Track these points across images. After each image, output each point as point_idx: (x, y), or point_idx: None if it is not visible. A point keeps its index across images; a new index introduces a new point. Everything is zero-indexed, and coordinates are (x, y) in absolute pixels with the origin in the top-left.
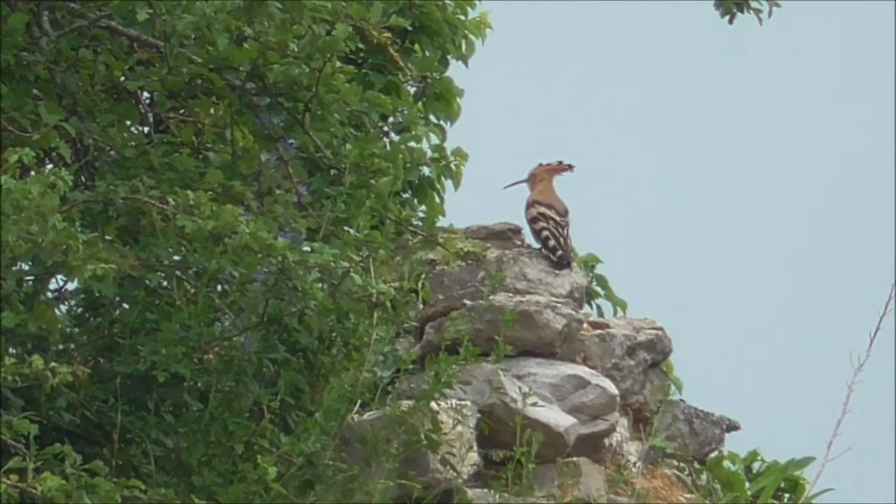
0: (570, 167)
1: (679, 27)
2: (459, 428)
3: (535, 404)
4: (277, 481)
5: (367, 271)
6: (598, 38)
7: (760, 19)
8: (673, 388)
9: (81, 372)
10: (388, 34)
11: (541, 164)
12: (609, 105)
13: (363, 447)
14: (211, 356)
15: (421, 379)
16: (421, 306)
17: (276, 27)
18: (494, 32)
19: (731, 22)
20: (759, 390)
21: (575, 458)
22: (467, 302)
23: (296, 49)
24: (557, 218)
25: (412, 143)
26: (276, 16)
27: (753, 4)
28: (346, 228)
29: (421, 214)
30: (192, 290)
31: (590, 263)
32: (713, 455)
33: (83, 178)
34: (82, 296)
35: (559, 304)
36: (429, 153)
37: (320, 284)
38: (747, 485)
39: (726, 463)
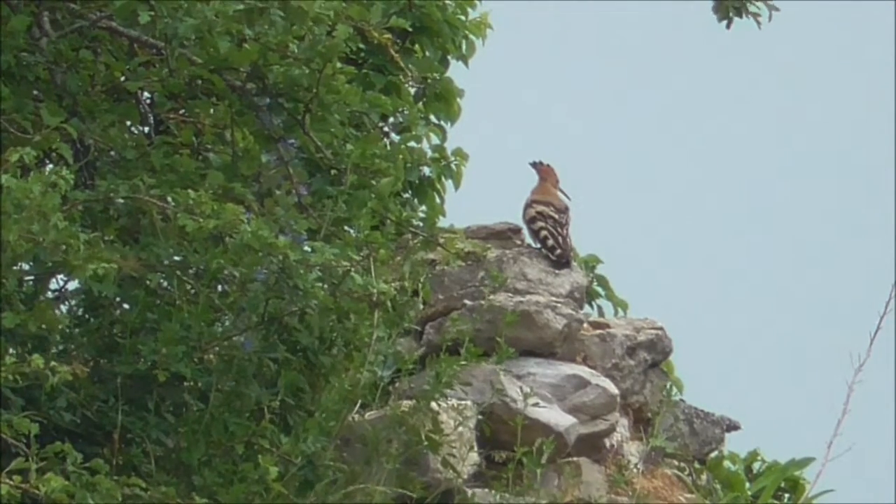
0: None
1: (680, 27)
2: (460, 428)
3: (536, 405)
4: (278, 481)
5: (368, 271)
6: (598, 38)
7: (759, 23)
8: (673, 388)
9: (81, 371)
10: (389, 35)
11: (549, 166)
12: (609, 105)
13: (364, 447)
14: (211, 356)
15: (421, 379)
16: (421, 306)
17: (277, 30)
18: (494, 32)
19: (728, 27)
20: (759, 390)
21: (575, 458)
22: (467, 302)
23: (296, 50)
24: (556, 216)
25: (412, 144)
26: (277, 23)
27: (752, 9)
28: (346, 228)
29: (421, 214)
30: (193, 290)
31: (591, 264)
32: (713, 455)
33: (84, 179)
34: (82, 296)
35: (559, 304)
36: (429, 153)
37: (321, 284)
38: (747, 485)
39: (726, 463)
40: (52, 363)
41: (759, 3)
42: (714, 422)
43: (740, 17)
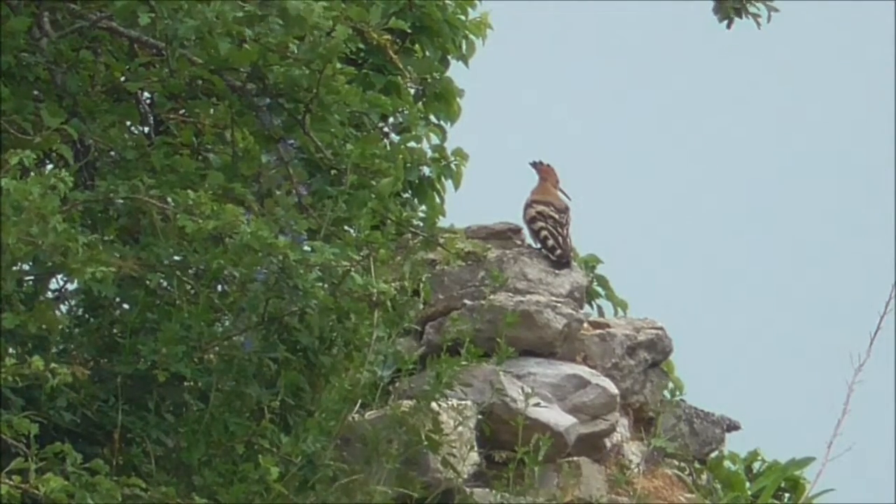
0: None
1: (680, 27)
2: (460, 428)
3: (537, 405)
4: (278, 481)
5: (368, 271)
6: (598, 38)
7: (759, 24)
8: (673, 387)
9: (81, 373)
10: (388, 36)
11: (550, 166)
12: (609, 105)
13: (364, 447)
14: (211, 356)
15: (421, 379)
16: (421, 306)
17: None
18: (494, 32)
19: (729, 27)
20: (759, 390)
21: (575, 458)
22: (467, 302)
23: (296, 51)
24: (556, 216)
25: (412, 144)
26: (276, 31)
27: (752, 10)
28: (346, 228)
29: (421, 214)
30: (193, 290)
31: (591, 264)
32: (714, 455)
33: (84, 179)
34: (82, 296)
35: (559, 304)
36: (429, 153)
37: (321, 283)
38: (748, 485)
39: (727, 463)
40: (53, 365)
41: (758, 4)
42: (714, 422)
43: (740, 17)
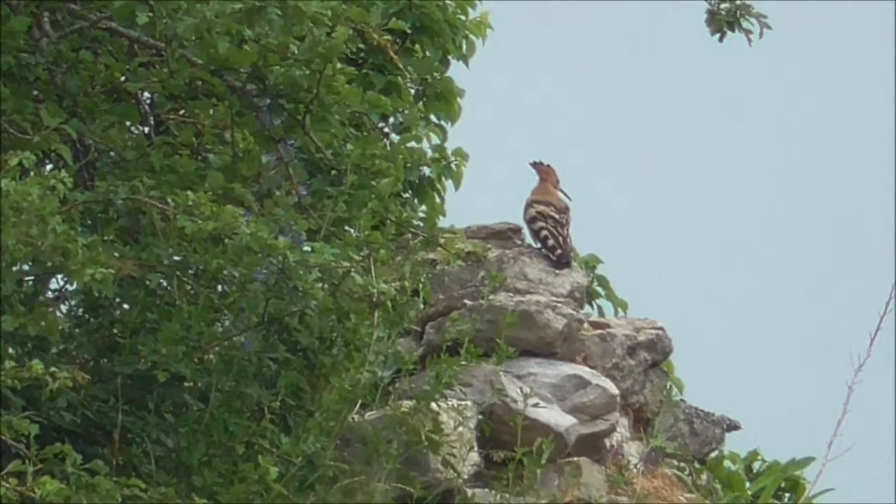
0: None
1: (680, 27)
2: (460, 428)
3: (536, 405)
4: (278, 481)
5: (368, 271)
6: (598, 38)
7: (750, 40)
8: (673, 388)
9: (81, 378)
10: (388, 37)
11: (550, 166)
12: (610, 105)
13: (364, 447)
14: (211, 356)
15: (421, 379)
16: (421, 306)
17: (276, 30)
18: (494, 32)
19: (721, 41)
20: (759, 390)
21: (575, 458)
22: (468, 302)
23: (296, 51)
24: (556, 216)
25: (412, 144)
26: (275, 22)
27: (744, 24)
28: (346, 228)
29: (421, 214)
30: (193, 290)
31: (591, 264)
32: (713, 455)
33: (84, 179)
34: (82, 296)
35: (559, 304)
36: (429, 153)
37: (321, 284)
38: (748, 484)
39: (727, 463)
40: (52, 368)
41: (751, 19)
42: (714, 422)
43: (733, 31)
